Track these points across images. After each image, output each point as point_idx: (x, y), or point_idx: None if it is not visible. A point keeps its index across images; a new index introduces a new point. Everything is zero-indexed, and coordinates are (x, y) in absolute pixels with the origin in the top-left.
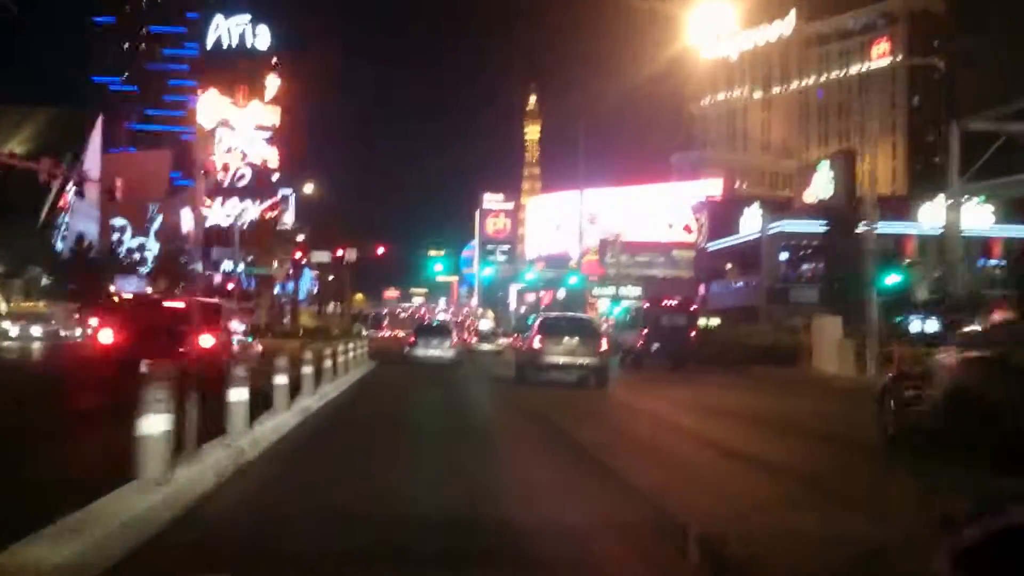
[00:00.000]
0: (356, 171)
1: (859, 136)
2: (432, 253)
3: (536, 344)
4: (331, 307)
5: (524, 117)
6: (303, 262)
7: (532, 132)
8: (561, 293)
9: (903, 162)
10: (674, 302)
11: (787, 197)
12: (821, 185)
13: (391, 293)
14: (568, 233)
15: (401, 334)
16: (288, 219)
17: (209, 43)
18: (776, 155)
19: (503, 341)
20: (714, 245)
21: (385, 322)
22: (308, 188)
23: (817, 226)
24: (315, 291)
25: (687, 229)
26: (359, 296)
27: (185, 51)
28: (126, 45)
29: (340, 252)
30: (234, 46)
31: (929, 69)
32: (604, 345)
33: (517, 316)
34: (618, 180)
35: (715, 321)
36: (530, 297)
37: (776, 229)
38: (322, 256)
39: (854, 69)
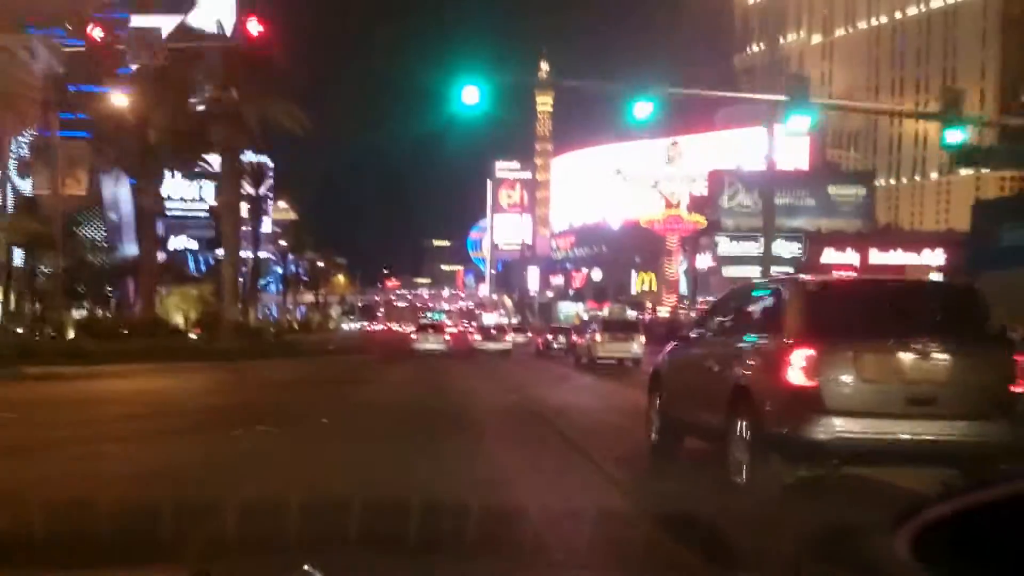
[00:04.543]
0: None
1: (940, 83)
2: (437, 243)
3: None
4: (312, 297)
5: (536, 86)
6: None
7: (543, 103)
8: (597, 273)
9: (992, 110)
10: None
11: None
12: None
13: (392, 283)
14: (634, 183)
15: (398, 328)
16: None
17: None
18: (841, 110)
19: (513, 338)
20: None
21: (380, 313)
22: None
23: None
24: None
25: None
26: (341, 279)
27: None
28: None
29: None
30: None
31: None
32: None
33: (540, 303)
34: (666, 133)
35: None
36: (556, 280)
37: None
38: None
39: (936, 4)
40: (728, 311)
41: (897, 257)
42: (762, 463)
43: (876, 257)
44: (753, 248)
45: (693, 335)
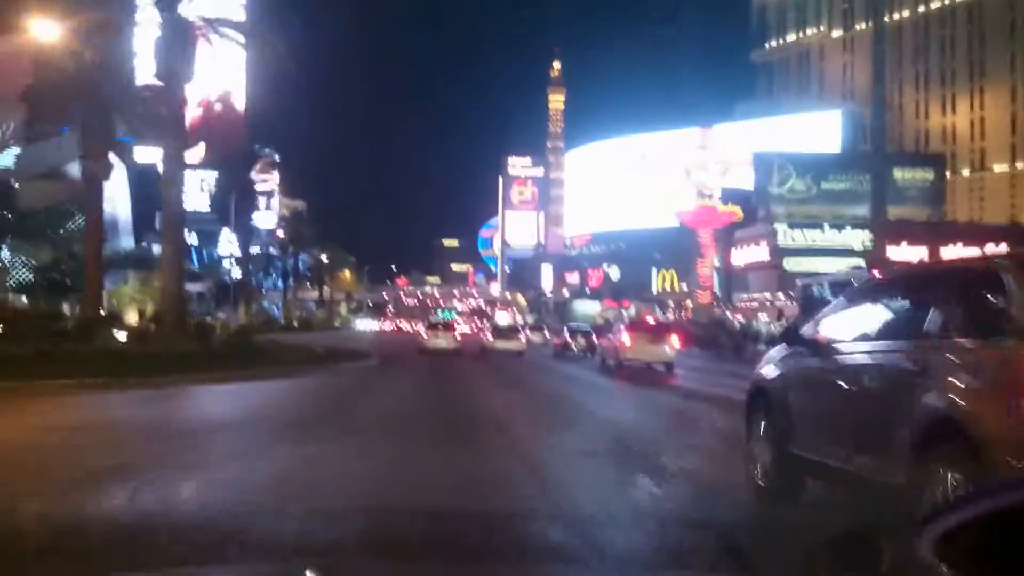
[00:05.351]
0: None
1: (967, 76)
2: (447, 242)
3: None
4: (317, 293)
5: (548, 85)
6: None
7: (556, 101)
8: (615, 271)
9: None
10: None
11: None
12: None
13: (402, 281)
14: (660, 174)
15: (407, 327)
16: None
17: None
18: (862, 104)
19: (529, 337)
20: None
21: (390, 311)
22: None
23: None
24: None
25: None
26: (347, 275)
27: None
28: None
29: None
30: None
31: None
32: None
33: (555, 302)
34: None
35: None
36: (572, 278)
37: None
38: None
39: None
40: (879, 304)
41: (959, 251)
42: None
43: (945, 251)
44: (819, 237)
45: (821, 337)
